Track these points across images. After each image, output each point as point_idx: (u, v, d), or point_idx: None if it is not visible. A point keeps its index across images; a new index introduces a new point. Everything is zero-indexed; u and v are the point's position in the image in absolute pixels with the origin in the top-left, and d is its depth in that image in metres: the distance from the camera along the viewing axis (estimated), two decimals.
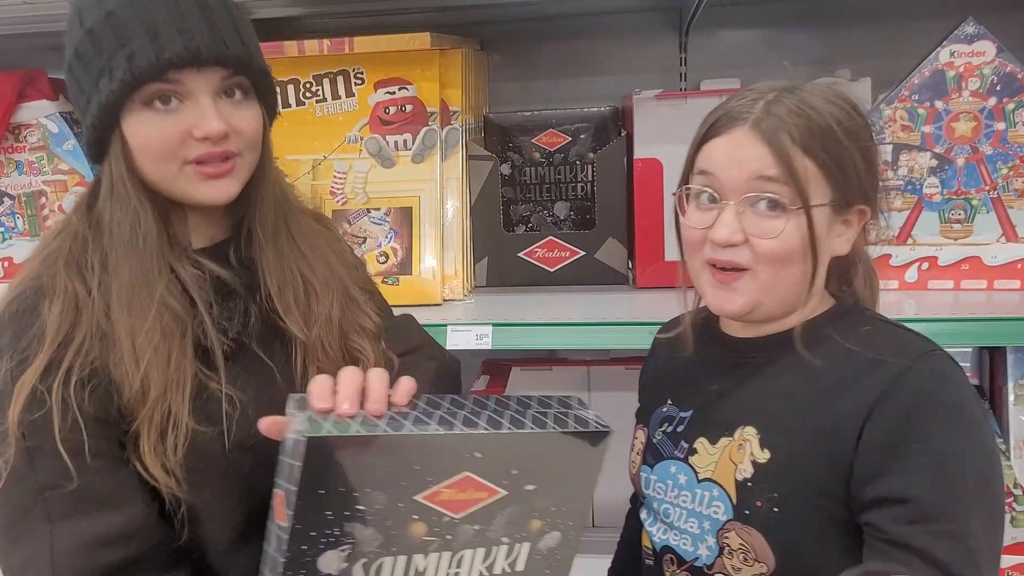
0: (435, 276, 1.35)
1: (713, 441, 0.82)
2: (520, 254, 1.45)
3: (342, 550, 0.61)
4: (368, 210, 1.38)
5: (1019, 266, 1.24)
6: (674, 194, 0.84)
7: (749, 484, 0.77)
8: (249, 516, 0.78)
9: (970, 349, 1.40)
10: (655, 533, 0.88)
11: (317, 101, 1.39)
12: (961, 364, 0.78)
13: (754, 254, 0.76)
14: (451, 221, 1.39)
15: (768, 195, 0.75)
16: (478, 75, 1.52)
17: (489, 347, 1.17)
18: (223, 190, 0.77)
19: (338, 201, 1.39)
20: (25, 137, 1.47)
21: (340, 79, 1.38)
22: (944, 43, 1.22)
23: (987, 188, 1.24)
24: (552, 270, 1.44)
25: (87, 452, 0.71)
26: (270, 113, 0.84)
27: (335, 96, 1.39)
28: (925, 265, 1.27)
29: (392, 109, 1.37)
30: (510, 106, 1.57)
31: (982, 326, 1.10)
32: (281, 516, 0.61)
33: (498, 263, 1.45)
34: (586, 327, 1.18)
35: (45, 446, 0.71)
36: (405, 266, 1.36)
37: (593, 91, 1.57)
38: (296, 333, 0.83)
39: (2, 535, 0.73)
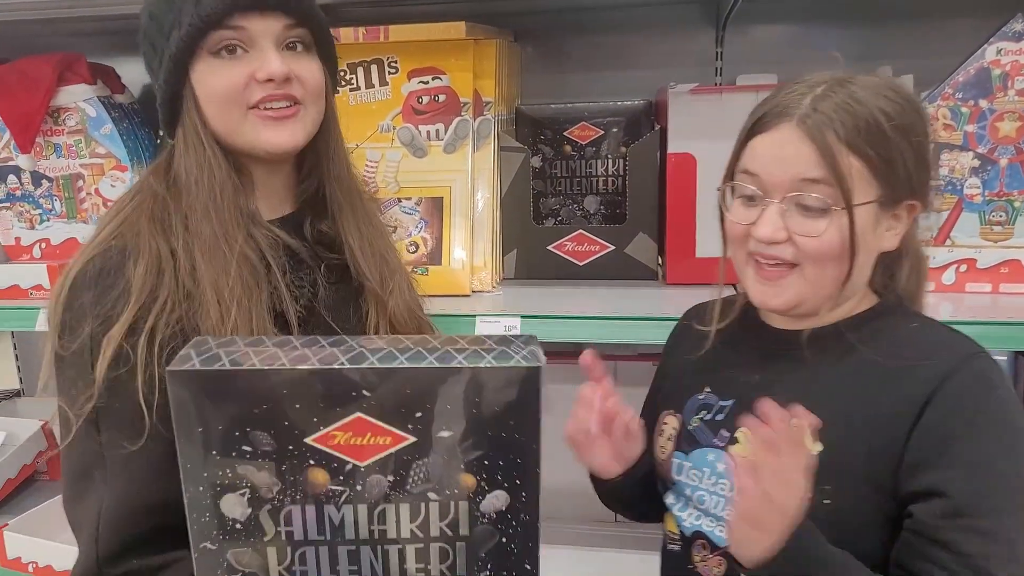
0: (464, 267, 1.35)
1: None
2: (549, 247, 1.44)
3: (240, 493, 0.59)
4: (399, 199, 1.38)
5: (1004, 270, 1.21)
6: (718, 189, 0.84)
7: None
8: None
9: (1006, 355, 1.37)
10: (685, 519, 0.89)
11: (351, 90, 1.39)
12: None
13: (798, 251, 0.77)
14: (481, 212, 1.39)
15: (811, 195, 0.75)
16: (511, 66, 1.51)
17: None
18: (287, 136, 0.80)
19: (370, 190, 1.39)
20: (64, 120, 1.50)
21: (374, 68, 1.39)
22: (991, 40, 1.19)
23: None
24: (581, 264, 1.43)
25: (155, 414, 0.72)
26: (332, 76, 0.86)
27: (368, 85, 1.39)
28: (963, 267, 1.24)
29: (425, 99, 1.37)
30: (542, 98, 1.56)
31: (1021, 330, 1.08)
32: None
33: (527, 255, 1.45)
34: (614, 321, 1.18)
35: (115, 405, 0.73)
36: (435, 256, 1.36)
37: (626, 85, 1.55)
38: (378, 293, 0.87)
39: (69, 488, 0.77)
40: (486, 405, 0.59)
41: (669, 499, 0.92)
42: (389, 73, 1.38)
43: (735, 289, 1.31)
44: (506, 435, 0.59)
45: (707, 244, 1.36)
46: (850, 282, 0.78)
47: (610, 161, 1.45)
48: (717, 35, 1.54)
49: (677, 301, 1.30)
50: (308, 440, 0.58)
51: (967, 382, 0.74)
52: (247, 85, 0.78)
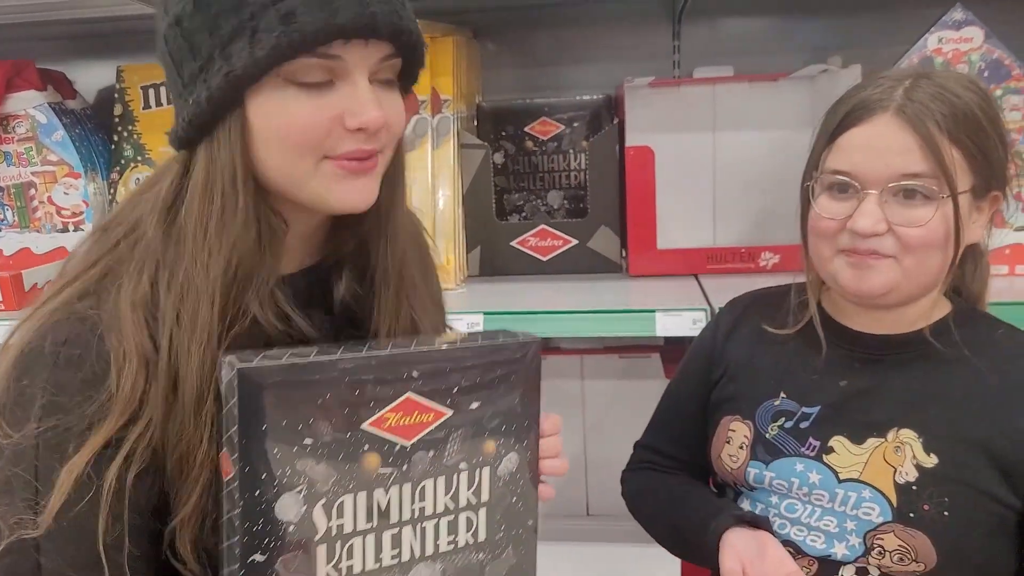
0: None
1: (857, 441, 0.81)
2: (513, 243, 1.45)
3: (298, 491, 0.58)
4: None
5: (1007, 251, 1.24)
6: (805, 185, 0.82)
7: (914, 488, 0.77)
8: None
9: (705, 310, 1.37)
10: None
11: None
12: None
13: (899, 243, 0.76)
14: (443, 210, 1.39)
15: (916, 184, 0.74)
16: (470, 63, 1.51)
17: None
18: (363, 193, 0.63)
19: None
20: (14, 128, 1.46)
21: None
22: (932, 29, 1.22)
23: None
24: (545, 259, 1.44)
25: (124, 554, 0.58)
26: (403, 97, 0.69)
27: None
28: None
29: None
30: (504, 94, 1.57)
31: None
32: (228, 471, 0.58)
33: (490, 252, 1.45)
34: (579, 315, 1.18)
35: (66, 546, 0.58)
36: None
37: (587, 79, 1.57)
38: None
39: None
40: (504, 375, 0.66)
41: (744, 504, 0.89)
42: None
43: (696, 281, 1.34)
44: (517, 401, 0.67)
45: (668, 236, 1.38)
46: (944, 272, 0.78)
47: (572, 156, 1.46)
48: (674, 29, 1.55)
49: (641, 293, 1.32)
50: (364, 425, 0.60)
51: None
52: (330, 131, 0.60)
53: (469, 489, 0.66)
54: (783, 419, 0.85)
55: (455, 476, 0.65)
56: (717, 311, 1.01)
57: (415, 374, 0.61)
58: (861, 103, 0.77)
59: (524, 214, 1.48)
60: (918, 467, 0.78)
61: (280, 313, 0.64)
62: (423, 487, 0.63)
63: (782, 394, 0.86)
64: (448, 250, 1.38)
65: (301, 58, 0.57)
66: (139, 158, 1.52)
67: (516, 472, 0.68)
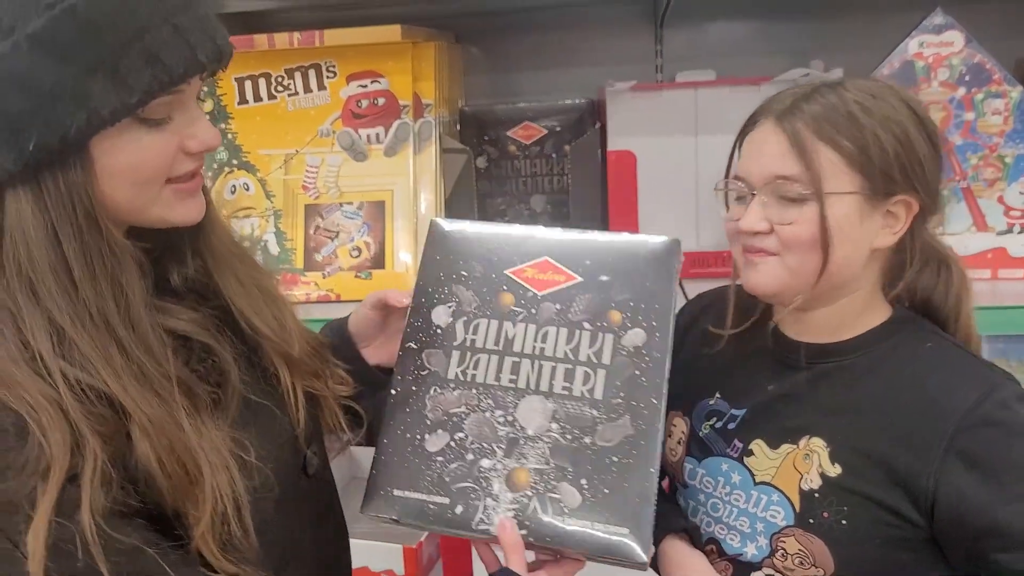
0: (408, 270, 1.34)
1: (773, 446, 0.82)
2: None
3: (449, 306, 0.78)
4: (341, 204, 1.37)
5: (989, 255, 1.24)
6: (716, 190, 0.86)
7: (816, 495, 0.78)
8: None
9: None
10: (699, 524, 0.88)
11: (289, 95, 1.38)
12: None
13: (779, 241, 0.78)
14: (425, 215, 1.38)
15: (786, 185, 0.76)
16: (453, 68, 1.51)
17: None
18: (198, 208, 0.66)
19: (311, 195, 1.38)
20: None
21: (312, 72, 1.37)
22: (913, 34, 1.22)
23: (957, 178, 1.24)
24: None
25: None
26: None
27: (307, 90, 1.37)
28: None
29: (364, 102, 1.36)
30: (487, 99, 1.56)
31: None
32: (408, 297, 0.81)
33: None
34: None
35: None
36: (378, 260, 1.35)
37: (570, 83, 1.56)
38: (283, 350, 0.73)
39: None
40: (639, 262, 0.77)
41: (681, 501, 0.92)
42: (327, 77, 1.37)
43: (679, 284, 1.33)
44: (648, 284, 0.76)
45: None
46: (832, 276, 0.77)
47: (555, 160, 1.45)
48: (656, 33, 1.55)
49: None
50: (506, 271, 0.78)
51: (1000, 409, 0.74)
52: (175, 157, 0.62)
53: (591, 348, 0.75)
54: (715, 419, 0.88)
55: (577, 331, 0.75)
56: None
57: (555, 246, 0.78)
58: (758, 110, 0.81)
59: (508, 218, 1.47)
60: (822, 475, 0.78)
61: (172, 317, 0.65)
62: (547, 331, 0.75)
63: (717, 394, 0.89)
64: None
65: (160, 97, 0.57)
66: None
67: (643, 347, 0.74)
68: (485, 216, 1.47)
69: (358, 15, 1.47)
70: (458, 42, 1.57)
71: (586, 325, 0.75)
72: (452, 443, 0.73)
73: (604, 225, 1.41)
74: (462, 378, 0.75)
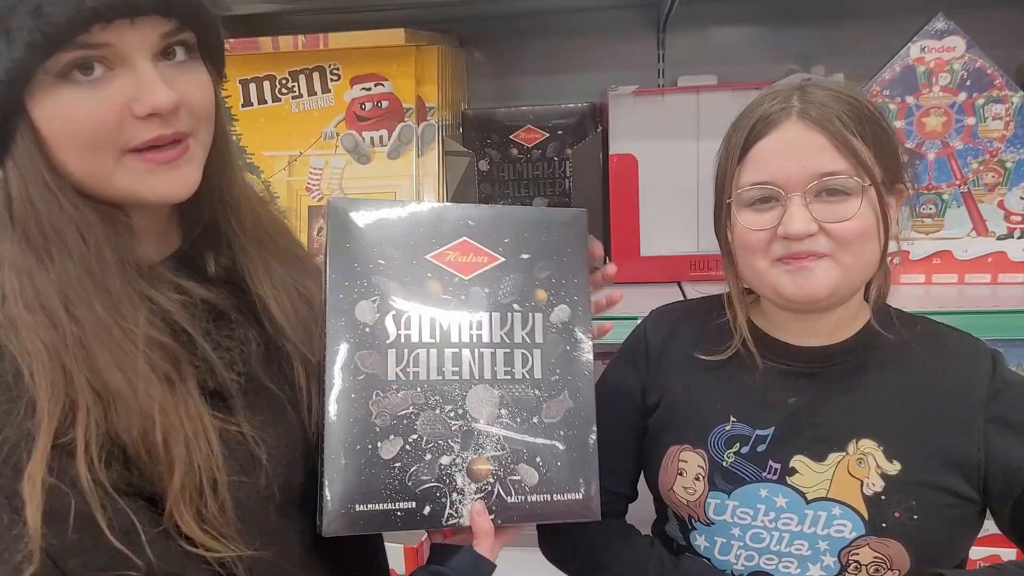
0: None
1: (818, 458, 0.79)
2: None
3: (372, 300, 0.72)
4: None
5: (989, 260, 1.25)
6: (727, 201, 0.81)
7: (883, 497, 0.77)
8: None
9: None
10: (734, 562, 0.83)
11: (293, 97, 1.39)
12: None
13: (833, 240, 0.75)
14: None
15: (836, 181, 0.75)
16: (456, 71, 1.52)
17: None
18: (181, 182, 0.61)
19: (314, 197, 1.39)
20: None
21: (316, 75, 1.38)
22: (914, 38, 1.23)
23: (958, 183, 1.25)
24: None
25: (142, 537, 0.56)
26: (218, 73, 0.66)
27: (311, 92, 1.38)
28: (896, 259, 1.28)
29: (368, 105, 1.37)
30: (489, 102, 1.57)
31: (953, 319, 1.11)
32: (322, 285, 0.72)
33: None
34: None
35: (86, 556, 0.55)
36: None
37: (572, 87, 1.57)
38: (301, 352, 0.71)
39: None
40: (552, 235, 0.77)
41: (700, 540, 0.85)
42: (331, 80, 1.38)
43: (679, 288, 1.34)
44: (565, 260, 0.77)
45: (651, 243, 1.38)
46: (876, 264, 0.79)
47: (556, 163, 1.46)
48: (658, 38, 1.56)
49: (623, 300, 1.31)
50: (427, 256, 0.74)
51: (1007, 371, 0.79)
52: (120, 123, 0.57)
53: (523, 329, 0.75)
54: (738, 444, 0.82)
55: (508, 314, 0.75)
56: (641, 325, 0.96)
57: (471, 223, 0.75)
58: (763, 116, 0.77)
59: None
60: (883, 475, 0.78)
61: (175, 285, 0.63)
62: (480, 318, 0.74)
63: (732, 418, 0.83)
64: None
65: (62, 53, 0.54)
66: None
67: (569, 323, 0.76)
68: None
69: (362, 18, 1.48)
70: (462, 46, 1.58)
71: (516, 307, 0.75)
72: (407, 446, 0.70)
73: (605, 228, 1.42)
74: (404, 378, 0.71)
